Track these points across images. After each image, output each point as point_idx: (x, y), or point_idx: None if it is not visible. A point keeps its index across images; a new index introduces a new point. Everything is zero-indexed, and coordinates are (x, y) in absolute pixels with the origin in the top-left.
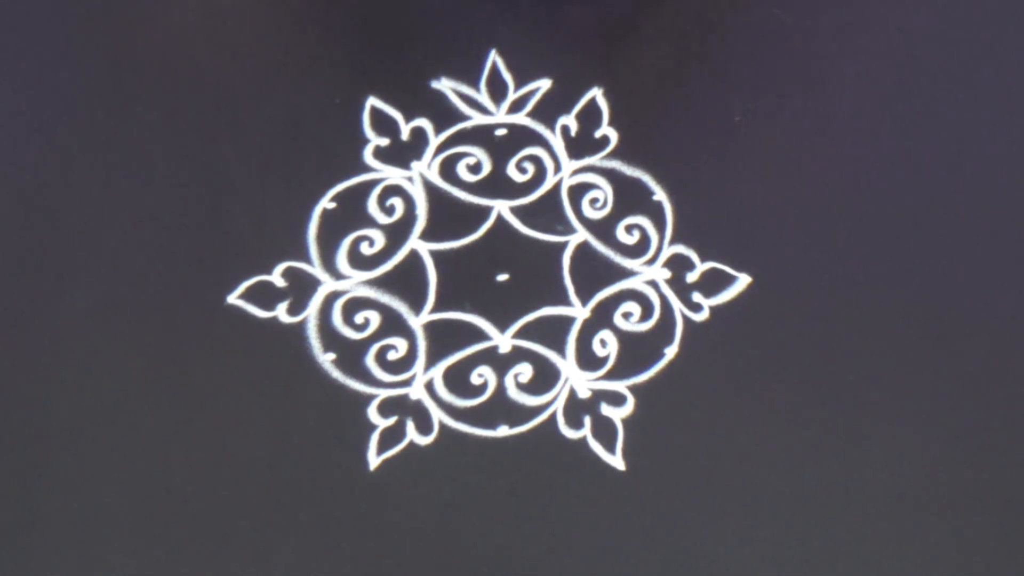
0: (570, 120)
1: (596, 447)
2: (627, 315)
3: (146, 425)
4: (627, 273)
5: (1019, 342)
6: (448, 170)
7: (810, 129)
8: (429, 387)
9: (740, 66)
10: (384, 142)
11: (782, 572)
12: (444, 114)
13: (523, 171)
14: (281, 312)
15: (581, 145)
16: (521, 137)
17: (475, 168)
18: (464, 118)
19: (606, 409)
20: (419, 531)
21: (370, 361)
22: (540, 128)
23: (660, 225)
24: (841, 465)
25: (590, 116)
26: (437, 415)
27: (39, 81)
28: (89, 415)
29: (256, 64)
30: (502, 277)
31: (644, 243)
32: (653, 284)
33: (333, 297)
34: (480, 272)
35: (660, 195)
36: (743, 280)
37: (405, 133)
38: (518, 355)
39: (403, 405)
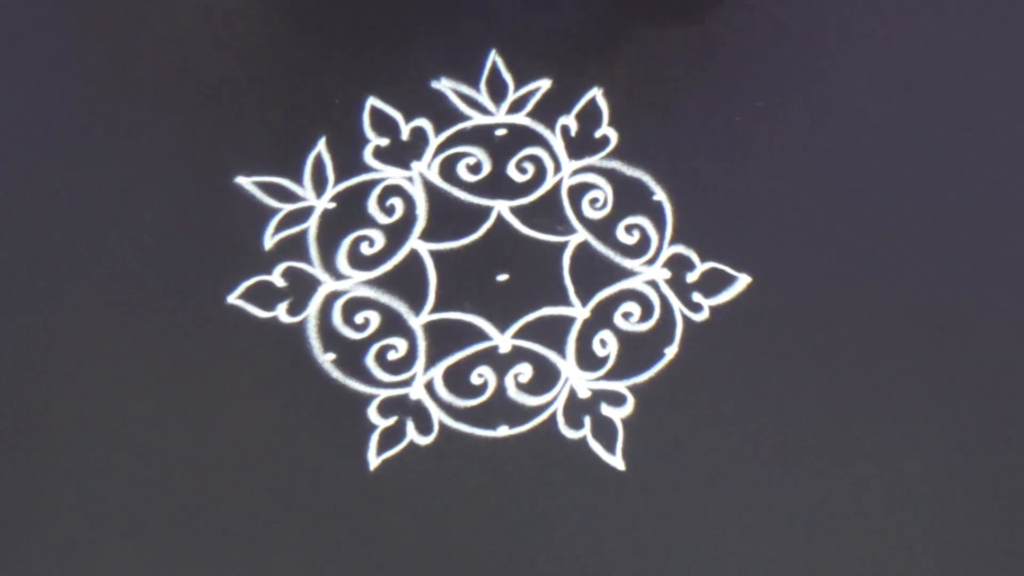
0: (570, 120)
1: (596, 447)
2: (627, 315)
3: (146, 425)
4: (627, 273)
5: (1019, 342)
6: (448, 170)
7: (810, 129)
8: (429, 387)
9: (740, 66)
10: (384, 142)
11: (782, 571)
12: (444, 114)
13: (523, 171)
14: (281, 312)
15: (581, 145)
16: (521, 137)
17: (475, 168)
18: (464, 118)
19: (606, 409)
20: (419, 531)
21: (370, 361)
22: (540, 128)
23: (660, 225)
24: (841, 464)
25: (590, 116)
26: (437, 415)
27: (39, 81)
28: (89, 414)
29: (256, 64)
30: (502, 277)
31: (644, 243)
32: (653, 284)
33: (333, 297)
34: (480, 272)
35: (660, 195)
36: (743, 280)
37: (405, 133)
38: (518, 355)
39: (403, 405)
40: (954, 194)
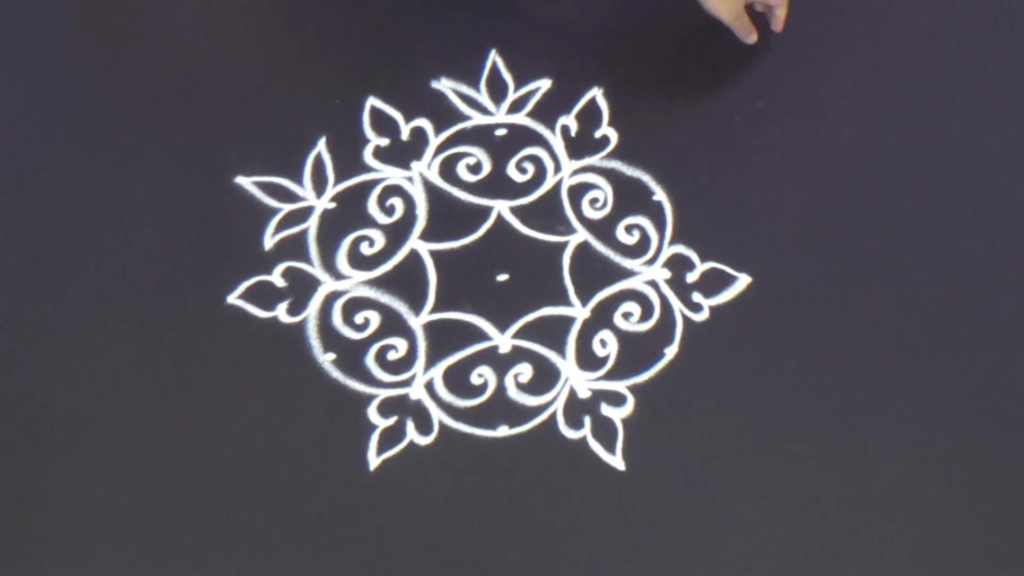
0: (570, 120)
1: (596, 447)
2: (627, 315)
3: (146, 424)
4: (627, 273)
5: (1019, 342)
6: (448, 170)
7: (810, 129)
8: (429, 387)
9: (740, 66)
10: (384, 142)
11: (781, 571)
12: (444, 114)
13: (523, 171)
14: (281, 312)
15: (581, 145)
16: (521, 137)
17: (475, 168)
18: (464, 118)
19: (606, 409)
20: (419, 531)
21: (370, 361)
22: (540, 128)
23: (660, 225)
24: (840, 464)
25: (590, 116)
26: (437, 415)
27: (39, 81)
28: (89, 414)
29: (256, 64)
30: (502, 277)
31: (644, 243)
32: (653, 284)
33: (333, 297)
34: (480, 272)
35: (660, 195)
36: (743, 280)
37: (405, 133)
38: (518, 355)
39: (403, 405)
40: (954, 194)
